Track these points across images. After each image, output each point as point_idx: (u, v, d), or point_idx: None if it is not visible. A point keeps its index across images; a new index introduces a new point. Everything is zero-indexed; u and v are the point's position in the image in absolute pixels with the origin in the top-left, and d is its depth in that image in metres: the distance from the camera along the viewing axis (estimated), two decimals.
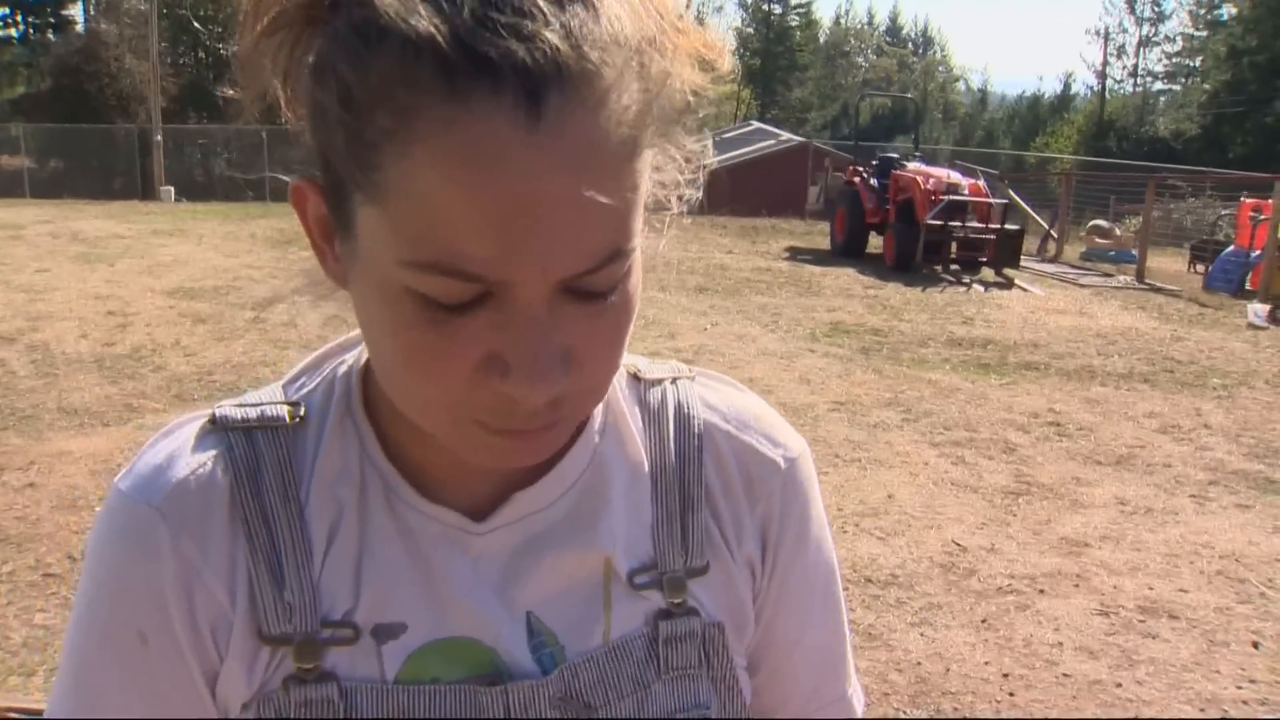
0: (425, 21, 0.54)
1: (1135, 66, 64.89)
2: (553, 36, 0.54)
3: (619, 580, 0.77)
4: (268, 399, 0.78)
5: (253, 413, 0.76)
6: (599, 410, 0.80)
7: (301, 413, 0.77)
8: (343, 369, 0.79)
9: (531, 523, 0.76)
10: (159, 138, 28.78)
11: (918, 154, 19.10)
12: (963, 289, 14.03)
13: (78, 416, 6.66)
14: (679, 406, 0.83)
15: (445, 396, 0.63)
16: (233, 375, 7.78)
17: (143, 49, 32.48)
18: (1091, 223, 20.90)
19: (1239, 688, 3.89)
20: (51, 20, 43.49)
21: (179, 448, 0.75)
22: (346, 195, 0.61)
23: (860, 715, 0.93)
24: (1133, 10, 64.14)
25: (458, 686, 0.73)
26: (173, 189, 27.26)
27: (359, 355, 0.79)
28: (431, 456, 0.75)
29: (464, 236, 0.56)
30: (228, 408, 0.77)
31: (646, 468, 0.80)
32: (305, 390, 0.79)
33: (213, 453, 0.74)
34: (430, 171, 0.55)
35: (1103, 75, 61.89)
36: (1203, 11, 59.53)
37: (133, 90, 35.37)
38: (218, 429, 0.76)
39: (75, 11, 42.83)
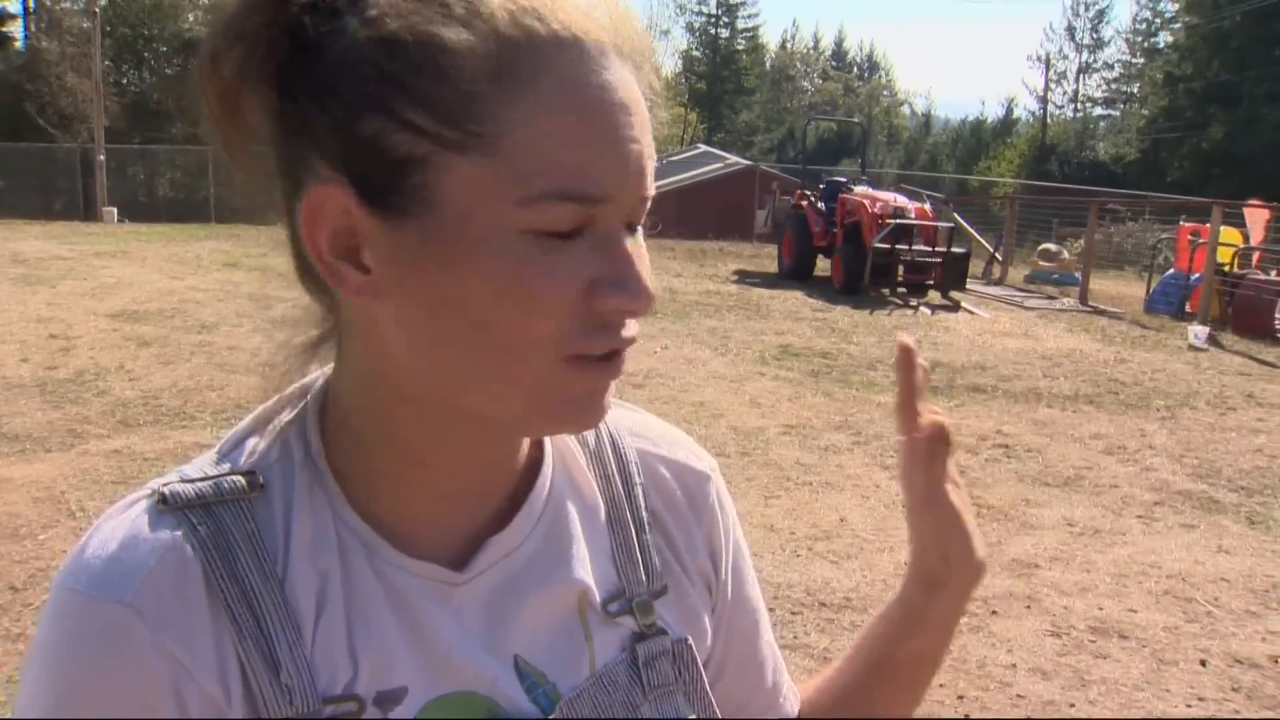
0: None
1: (1075, 92, 66.00)
2: (632, 13, 0.69)
3: (595, 610, 0.80)
4: (215, 471, 0.73)
5: (206, 487, 0.71)
6: (549, 448, 0.83)
7: (260, 481, 0.73)
8: (294, 429, 0.76)
9: (507, 565, 0.77)
10: (102, 157, 28.38)
11: (864, 178, 19.27)
12: (910, 312, 14.16)
13: (19, 442, 6.53)
14: (611, 436, 0.87)
15: (552, 332, 0.66)
16: (179, 400, 7.67)
17: (85, 67, 32.03)
18: (1040, 246, 21.19)
19: (1189, 706, 3.94)
20: None
21: (132, 534, 0.69)
22: (412, 173, 0.64)
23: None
24: (1073, 38, 65.29)
25: None
26: (116, 210, 26.87)
27: (308, 410, 0.77)
28: (398, 510, 0.75)
29: (590, 161, 0.64)
30: (176, 485, 0.71)
31: (598, 498, 0.84)
32: (257, 455, 0.74)
33: (175, 534, 0.69)
34: (543, 110, 0.63)
35: (1044, 100, 62.89)
36: (1140, 39, 60.75)
37: (75, 109, 34.87)
38: (172, 508, 0.70)
39: (15, 28, 42.14)
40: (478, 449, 0.75)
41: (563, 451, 0.84)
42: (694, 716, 0.82)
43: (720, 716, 0.85)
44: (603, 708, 0.78)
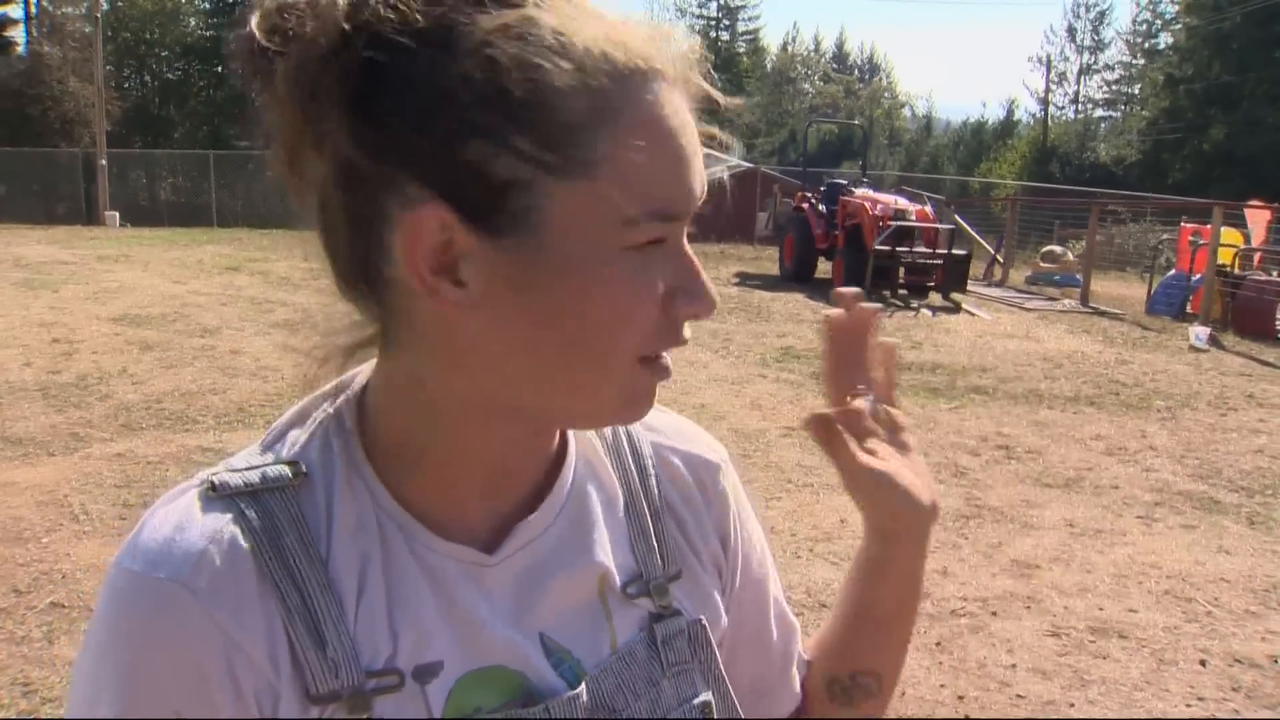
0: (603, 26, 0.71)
1: (1076, 94, 65.99)
2: (679, 34, 0.74)
3: (614, 592, 0.86)
4: (259, 461, 0.78)
5: (253, 476, 0.76)
6: (572, 440, 0.88)
7: (303, 470, 0.77)
8: (333, 422, 0.81)
9: (533, 549, 0.83)
10: (104, 161, 28.43)
11: (865, 180, 19.29)
12: (911, 314, 14.16)
13: (22, 446, 6.55)
14: (626, 430, 0.93)
15: (637, 339, 0.74)
16: (181, 404, 7.69)
17: (87, 72, 32.11)
18: (1045, 248, 21.21)
19: (1188, 705, 3.95)
20: None
21: (185, 518, 0.73)
22: (516, 195, 0.68)
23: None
24: (1073, 39, 65.29)
25: (501, 713, 0.78)
26: (118, 214, 26.94)
27: (346, 403, 0.82)
28: (435, 498, 0.80)
29: (672, 183, 0.71)
30: (224, 474, 0.76)
31: (616, 488, 0.90)
32: (299, 446, 0.79)
33: (226, 518, 0.73)
34: (630, 136, 0.69)
35: (1045, 102, 62.86)
36: (1141, 41, 60.74)
37: (76, 114, 34.99)
38: (221, 495, 0.75)
39: (17, 33, 42.16)
40: (522, 442, 0.82)
41: (583, 445, 0.89)
42: (704, 693, 0.87)
43: (732, 693, 0.90)
44: (625, 682, 0.83)
